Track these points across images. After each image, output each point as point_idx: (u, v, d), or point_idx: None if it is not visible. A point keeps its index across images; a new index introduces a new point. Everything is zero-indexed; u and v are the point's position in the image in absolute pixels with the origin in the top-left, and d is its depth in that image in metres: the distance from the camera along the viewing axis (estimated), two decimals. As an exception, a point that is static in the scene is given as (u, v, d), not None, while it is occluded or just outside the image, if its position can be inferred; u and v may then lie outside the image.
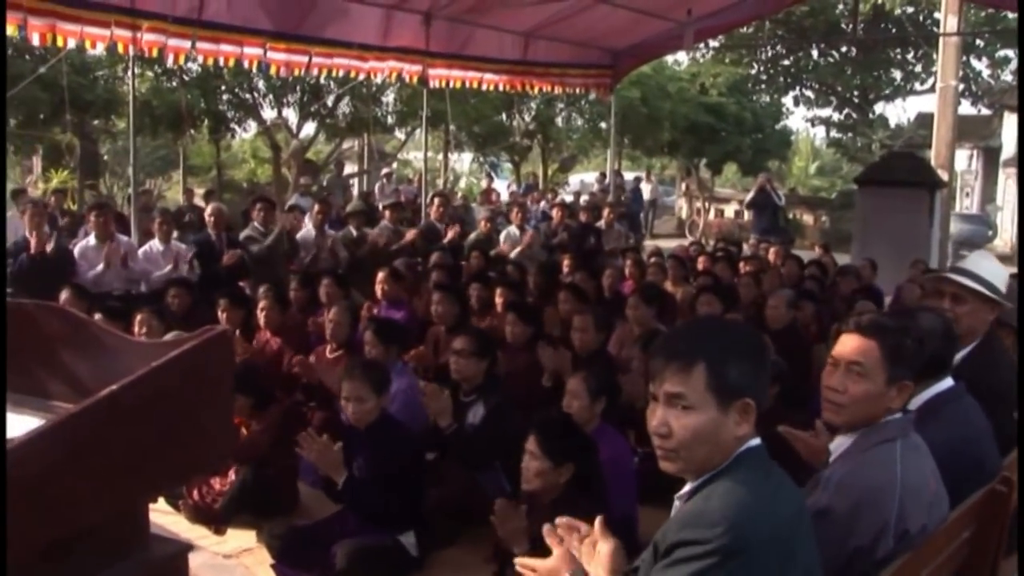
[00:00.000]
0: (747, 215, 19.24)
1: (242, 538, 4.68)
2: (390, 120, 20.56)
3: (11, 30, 7.16)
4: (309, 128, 20.35)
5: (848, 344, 2.49)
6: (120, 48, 8.19)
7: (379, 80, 14.13)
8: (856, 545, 2.26)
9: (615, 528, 3.05)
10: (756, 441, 1.94)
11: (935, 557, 2.48)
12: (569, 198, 20.15)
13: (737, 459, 1.91)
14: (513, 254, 10.16)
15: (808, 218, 23.78)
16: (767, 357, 2.00)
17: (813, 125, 29.04)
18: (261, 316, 6.36)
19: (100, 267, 7.43)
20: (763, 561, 1.77)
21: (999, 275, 3.61)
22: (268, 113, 19.51)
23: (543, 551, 3.23)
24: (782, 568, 1.82)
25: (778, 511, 1.86)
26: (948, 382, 2.97)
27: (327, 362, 5.88)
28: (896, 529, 2.29)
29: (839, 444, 2.50)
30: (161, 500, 4.78)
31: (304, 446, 4.06)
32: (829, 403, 2.49)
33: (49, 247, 7.32)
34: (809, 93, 27.07)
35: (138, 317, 5.91)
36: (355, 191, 19.25)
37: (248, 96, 18.58)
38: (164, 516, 4.73)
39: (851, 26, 23.27)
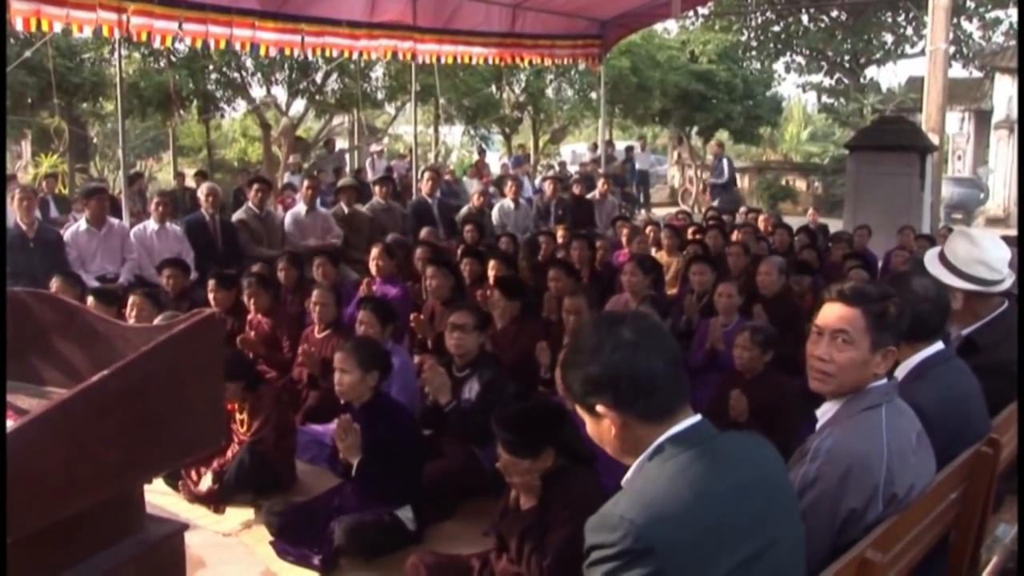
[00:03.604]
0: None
1: (241, 516, 4.71)
2: (379, 95, 20.47)
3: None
4: (298, 105, 20.25)
5: (832, 313, 2.50)
6: (106, 31, 8.14)
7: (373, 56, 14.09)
8: (848, 510, 2.29)
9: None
10: (682, 426, 1.91)
11: (923, 517, 2.52)
12: (557, 168, 20.14)
13: (658, 448, 1.90)
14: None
15: (801, 184, 23.80)
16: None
17: (804, 91, 28.90)
18: (248, 302, 6.37)
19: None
20: (678, 558, 1.74)
21: (965, 257, 3.63)
22: (257, 92, 19.43)
23: (545, 511, 3.28)
24: (707, 560, 1.77)
25: (702, 501, 1.80)
26: (938, 346, 3.00)
27: (316, 342, 5.92)
28: (885, 494, 2.32)
29: (825, 411, 2.53)
30: (160, 481, 4.83)
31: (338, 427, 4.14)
32: (816, 372, 2.51)
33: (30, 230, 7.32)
34: (800, 59, 26.98)
35: (130, 300, 5.94)
36: (347, 168, 19.22)
37: (236, 75, 18.47)
38: (163, 497, 4.78)
39: (841, -10, 23.20)
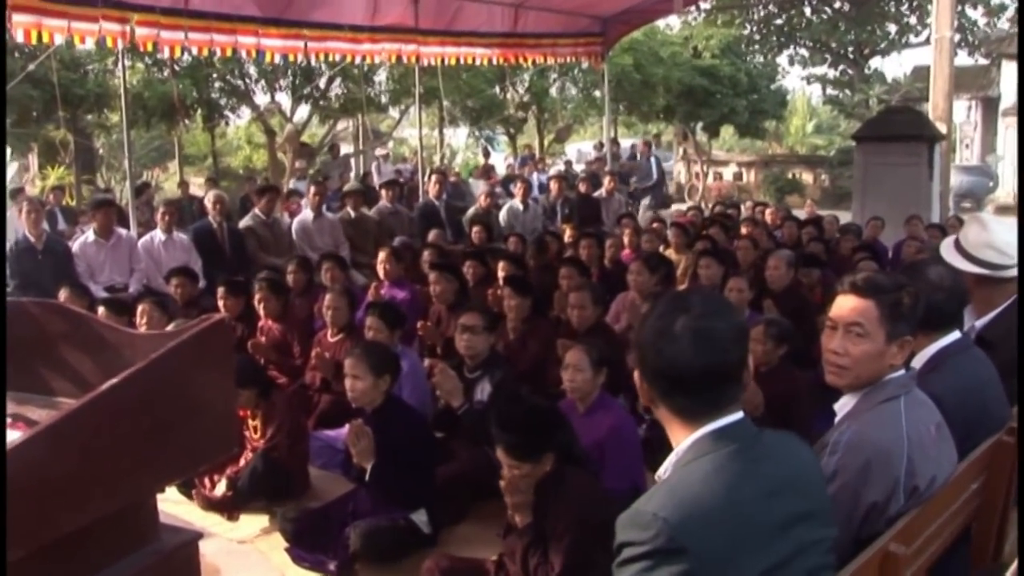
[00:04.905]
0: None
1: (255, 523, 4.71)
2: (383, 99, 20.48)
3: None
4: (303, 111, 20.28)
5: (845, 305, 2.47)
6: (109, 42, 8.15)
7: (377, 60, 14.09)
8: (870, 503, 2.27)
9: (621, 498, 3.04)
10: (720, 423, 1.85)
11: (945, 510, 2.50)
12: (562, 167, 20.10)
13: (695, 443, 1.85)
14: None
15: (807, 177, 23.74)
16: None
17: (809, 83, 28.79)
18: (259, 306, 6.36)
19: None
20: (710, 559, 1.70)
21: (975, 241, 3.62)
22: (261, 98, 19.47)
23: (542, 522, 3.26)
24: (738, 563, 1.74)
25: (735, 502, 1.76)
26: (955, 335, 2.97)
27: (329, 346, 5.91)
28: (906, 486, 2.29)
29: (844, 404, 2.50)
30: (174, 490, 4.82)
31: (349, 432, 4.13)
32: (832, 366, 2.48)
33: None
34: (803, 51, 26.85)
35: (140, 308, 5.94)
36: (352, 173, 19.22)
37: (240, 82, 18.50)
38: (177, 506, 4.77)
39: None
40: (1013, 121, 20.50)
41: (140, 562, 2.06)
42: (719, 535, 1.72)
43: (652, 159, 18.02)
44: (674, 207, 17.84)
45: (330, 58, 10.69)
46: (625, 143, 23.26)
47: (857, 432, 2.33)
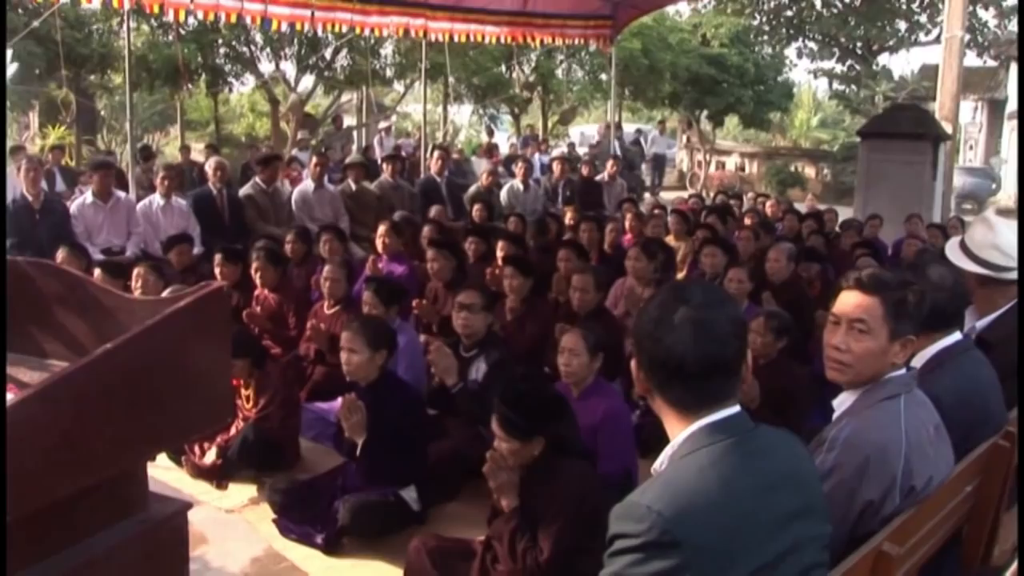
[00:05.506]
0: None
1: (244, 493, 4.70)
2: (389, 72, 20.37)
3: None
4: (307, 81, 20.16)
5: (850, 301, 2.44)
6: (115, 2, 8.08)
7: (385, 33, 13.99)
8: (865, 501, 2.25)
9: (613, 483, 3.02)
10: (717, 416, 1.83)
11: (939, 511, 2.48)
12: (565, 149, 20.01)
13: (690, 438, 1.83)
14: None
15: (810, 171, 23.70)
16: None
17: (816, 77, 28.62)
18: (256, 276, 6.32)
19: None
20: (703, 553, 1.68)
21: (980, 241, 3.60)
22: (266, 66, 19.33)
23: (531, 506, 3.25)
24: (732, 558, 1.72)
25: (732, 496, 1.74)
26: (955, 336, 2.95)
27: (325, 318, 5.88)
28: (903, 486, 2.28)
29: (843, 401, 2.48)
30: (163, 456, 4.80)
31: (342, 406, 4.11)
32: (833, 362, 2.46)
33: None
34: (812, 44, 26.73)
35: (136, 272, 5.90)
36: (355, 145, 19.14)
37: (245, 50, 18.38)
38: (167, 472, 4.77)
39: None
40: (1018, 124, 20.46)
41: (128, 530, 2.04)
42: (714, 529, 1.70)
43: (614, 142, 17.87)
44: (674, 195, 17.74)
45: (337, 29, 10.60)
46: (629, 128, 23.19)
47: (856, 429, 2.31)
